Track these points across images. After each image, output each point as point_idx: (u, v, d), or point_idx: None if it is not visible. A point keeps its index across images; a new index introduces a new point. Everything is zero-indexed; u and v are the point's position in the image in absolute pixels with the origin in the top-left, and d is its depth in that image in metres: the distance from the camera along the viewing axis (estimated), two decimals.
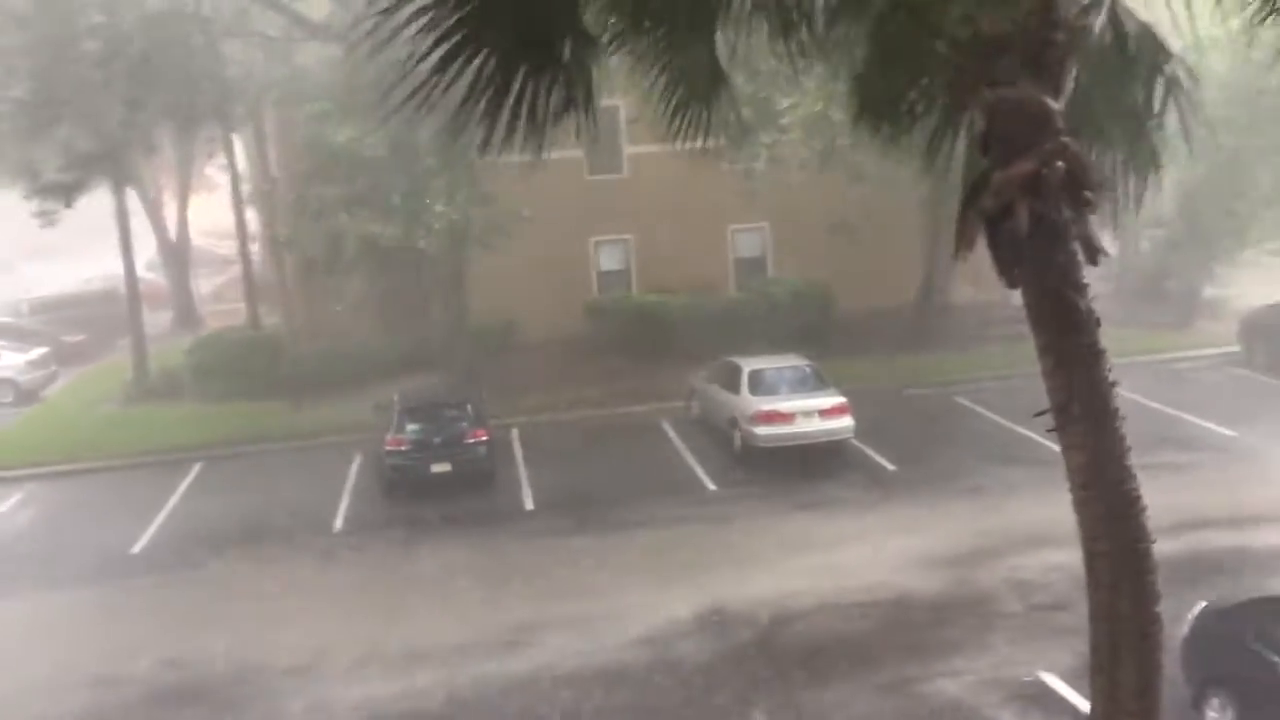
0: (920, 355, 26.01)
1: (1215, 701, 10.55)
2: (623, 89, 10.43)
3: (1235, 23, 4.67)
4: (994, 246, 5.05)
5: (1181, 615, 11.06)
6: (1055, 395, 5.12)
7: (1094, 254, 4.93)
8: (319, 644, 14.10)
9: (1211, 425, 20.60)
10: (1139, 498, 5.07)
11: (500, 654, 13.56)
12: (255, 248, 32.22)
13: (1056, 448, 5.26)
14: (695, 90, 6.09)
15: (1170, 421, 20.76)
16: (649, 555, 16.48)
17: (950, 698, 11.89)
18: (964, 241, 5.04)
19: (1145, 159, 6.04)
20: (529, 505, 19.00)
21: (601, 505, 18.55)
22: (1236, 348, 25.41)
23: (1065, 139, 4.92)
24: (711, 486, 19.39)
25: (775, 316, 26.38)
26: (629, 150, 28.53)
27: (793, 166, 23.69)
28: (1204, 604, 11.31)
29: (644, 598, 14.86)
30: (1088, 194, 4.90)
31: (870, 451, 20.23)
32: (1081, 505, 5.13)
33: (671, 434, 22.43)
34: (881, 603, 14.36)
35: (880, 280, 27.71)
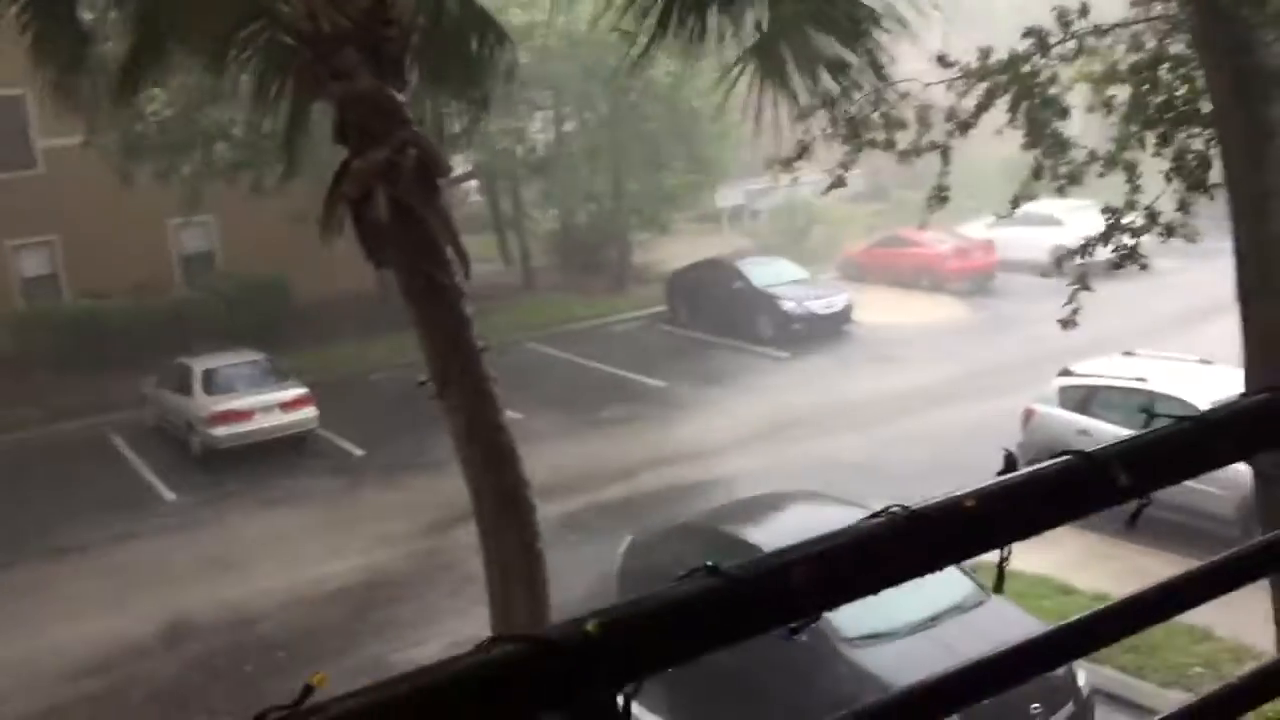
0: (384, 339, 26.18)
1: None
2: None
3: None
4: (360, 231, 5.34)
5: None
6: (433, 364, 5.54)
7: (450, 235, 5.38)
8: None
9: (645, 379, 22.90)
10: (514, 449, 5.64)
11: None
12: None
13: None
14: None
15: (610, 379, 22.80)
16: (100, 579, 15.31)
17: (419, 666, 12.32)
18: (330, 226, 5.28)
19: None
20: None
21: (38, 534, 16.81)
22: (664, 307, 28.38)
23: (416, 129, 5.31)
24: (171, 496, 18.40)
25: (229, 313, 25.38)
26: (43, 144, 25.93)
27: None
28: (630, 537, 12.66)
29: (94, 624, 13.81)
30: (438, 179, 5.33)
31: (337, 439, 20.23)
32: (465, 461, 5.62)
33: (123, 447, 20.91)
34: (352, 587, 14.50)
35: (342, 266, 27.20)
